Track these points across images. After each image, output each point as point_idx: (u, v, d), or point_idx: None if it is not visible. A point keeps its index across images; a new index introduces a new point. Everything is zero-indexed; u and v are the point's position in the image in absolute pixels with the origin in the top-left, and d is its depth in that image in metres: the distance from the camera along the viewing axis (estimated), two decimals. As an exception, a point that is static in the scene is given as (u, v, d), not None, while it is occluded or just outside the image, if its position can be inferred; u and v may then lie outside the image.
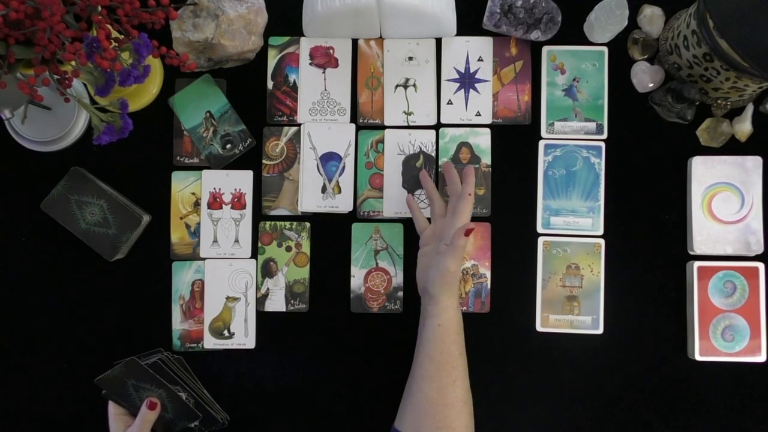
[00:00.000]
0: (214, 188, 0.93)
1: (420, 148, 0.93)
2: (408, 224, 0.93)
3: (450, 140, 0.93)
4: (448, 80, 0.94)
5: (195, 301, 0.93)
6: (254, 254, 0.93)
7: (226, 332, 0.92)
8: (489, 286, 0.92)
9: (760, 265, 0.90)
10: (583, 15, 0.92)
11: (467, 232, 0.80)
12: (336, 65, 0.95)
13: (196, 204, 0.94)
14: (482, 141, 0.93)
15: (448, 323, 0.80)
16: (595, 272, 0.91)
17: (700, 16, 0.79)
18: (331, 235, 0.93)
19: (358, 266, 0.93)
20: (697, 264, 0.90)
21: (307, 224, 0.93)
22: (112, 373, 0.83)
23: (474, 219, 0.93)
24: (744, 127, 0.91)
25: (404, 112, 0.94)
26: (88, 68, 0.71)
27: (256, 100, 0.94)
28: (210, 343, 0.92)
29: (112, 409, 0.85)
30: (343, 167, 0.93)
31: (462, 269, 0.92)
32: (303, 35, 0.95)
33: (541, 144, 0.93)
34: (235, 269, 0.93)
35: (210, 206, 0.93)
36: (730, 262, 0.90)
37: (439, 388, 0.78)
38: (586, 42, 0.93)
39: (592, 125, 0.93)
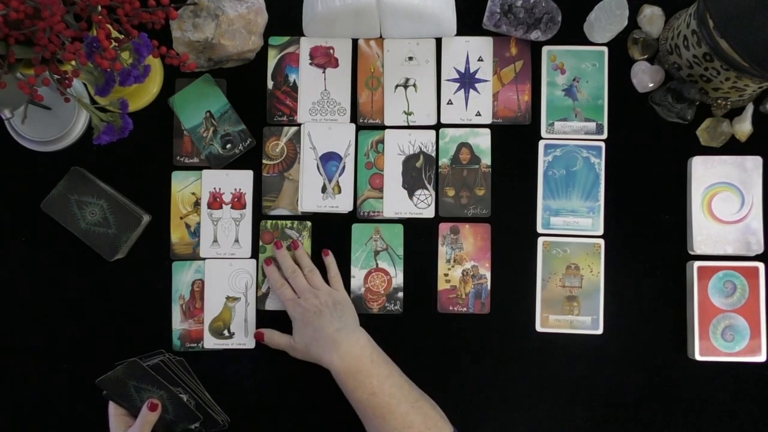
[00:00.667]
0: (214, 188, 0.93)
1: (420, 149, 0.93)
2: (408, 225, 0.93)
3: (450, 140, 0.93)
4: (448, 80, 0.94)
5: (195, 301, 0.93)
6: (254, 254, 0.93)
7: (226, 332, 0.92)
8: (489, 287, 0.92)
9: (760, 265, 0.90)
10: (583, 15, 0.92)
11: (257, 336, 0.91)
12: (336, 65, 0.95)
13: (196, 204, 0.94)
14: (482, 141, 0.93)
15: (337, 376, 0.83)
16: (595, 272, 0.91)
17: (700, 16, 0.79)
18: (331, 235, 0.93)
19: (358, 267, 0.93)
20: (697, 264, 0.90)
21: (308, 223, 0.93)
22: (114, 374, 0.83)
23: (474, 219, 0.93)
24: (744, 127, 0.91)
25: (404, 112, 0.94)
26: (88, 68, 0.71)
27: (256, 100, 0.94)
28: (210, 343, 0.92)
29: (113, 409, 0.85)
30: (343, 167, 0.93)
31: (462, 270, 0.92)
32: (303, 35, 0.95)
33: (541, 144, 0.93)
34: (235, 269, 0.93)
35: (210, 206, 0.93)
36: (730, 262, 0.90)
37: (378, 429, 0.80)
38: (586, 42, 0.93)
39: (592, 125, 0.93)
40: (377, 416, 0.80)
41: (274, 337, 0.90)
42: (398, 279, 0.93)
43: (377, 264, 0.93)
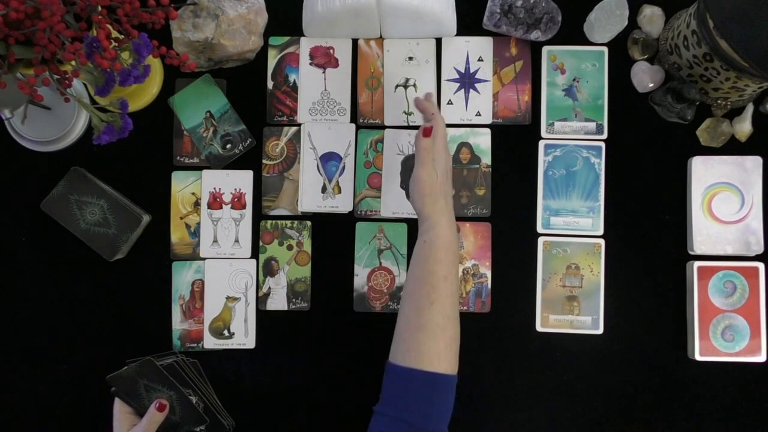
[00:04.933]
0: (214, 188, 0.93)
1: (420, 148, 0.93)
2: (411, 224, 0.93)
3: (450, 140, 0.93)
4: (448, 80, 0.94)
5: (195, 301, 0.93)
6: (254, 254, 0.93)
7: (226, 332, 0.92)
8: (489, 286, 0.92)
9: (760, 265, 0.90)
10: (583, 15, 0.92)
11: (425, 132, 0.80)
12: (336, 65, 0.95)
13: (196, 204, 0.94)
14: (482, 141, 0.93)
15: (434, 240, 0.76)
16: (595, 272, 0.91)
17: (700, 16, 0.79)
18: (332, 234, 0.93)
19: (362, 265, 0.93)
20: (697, 264, 0.90)
21: (308, 223, 0.93)
22: (126, 372, 0.83)
23: (474, 219, 0.93)
24: (744, 127, 0.91)
25: (404, 112, 0.94)
26: (88, 68, 0.71)
27: (256, 100, 0.94)
28: (210, 343, 0.92)
29: (118, 406, 0.84)
30: (343, 167, 0.93)
31: (462, 269, 0.92)
32: (303, 35, 0.95)
33: (541, 144, 0.93)
34: (235, 269, 0.93)
35: (210, 206, 0.93)
36: (730, 262, 0.90)
37: (416, 308, 0.74)
38: (586, 42, 0.93)
39: (592, 125, 0.93)
40: (428, 297, 0.73)
41: (430, 149, 0.80)
42: (401, 278, 0.93)
43: (381, 263, 0.93)
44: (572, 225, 0.92)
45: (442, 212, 0.77)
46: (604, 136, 0.93)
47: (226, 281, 0.93)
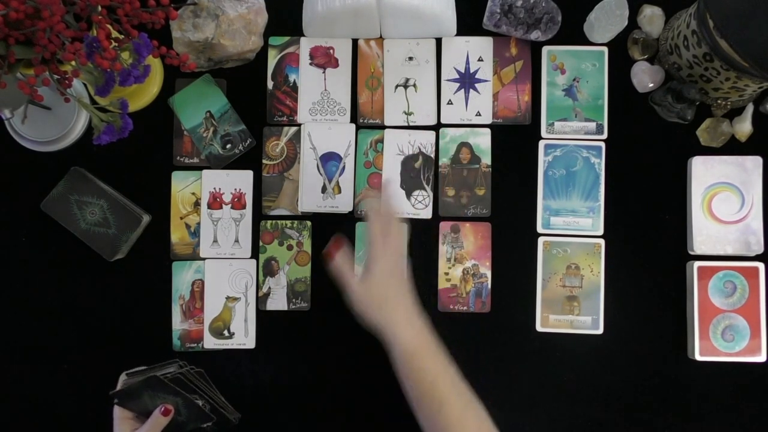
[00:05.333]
0: (214, 188, 0.93)
1: (419, 149, 0.93)
2: (411, 224, 0.93)
3: (450, 140, 0.93)
4: (448, 80, 0.94)
5: (195, 301, 0.93)
6: (254, 254, 0.93)
7: (226, 332, 0.92)
8: (489, 286, 0.92)
9: (760, 265, 0.90)
10: (583, 15, 0.92)
11: (329, 254, 0.80)
12: (336, 65, 0.95)
13: (196, 204, 0.94)
14: (482, 141, 0.93)
15: (399, 356, 0.75)
16: (595, 272, 0.91)
17: (700, 16, 0.79)
18: (332, 234, 0.93)
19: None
20: (697, 264, 0.90)
21: (308, 223, 0.93)
22: (129, 389, 0.81)
23: (474, 219, 0.93)
24: (744, 127, 0.91)
25: (404, 112, 0.94)
26: (88, 68, 0.71)
27: (256, 100, 0.94)
28: (210, 343, 0.92)
29: (118, 412, 0.83)
30: (343, 167, 0.93)
31: (462, 269, 0.92)
32: (303, 35, 0.95)
33: (541, 144, 0.93)
34: (235, 269, 0.93)
35: (210, 206, 0.93)
36: (730, 262, 0.90)
37: (427, 418, 0.74)
38: (586, 42, 0.93)
39: (592, 125, 0.93)
40: (430, 406, 0.73)
41: (344, 266, 0.78)
42: (399, 279, 0.92)
43: (379, 264, 0.92)
44: (572, 225, 0.92)
45: (389, 321, 0.76)
46: (604, 136, 0.93)
47: (226, 281, 0.93)
